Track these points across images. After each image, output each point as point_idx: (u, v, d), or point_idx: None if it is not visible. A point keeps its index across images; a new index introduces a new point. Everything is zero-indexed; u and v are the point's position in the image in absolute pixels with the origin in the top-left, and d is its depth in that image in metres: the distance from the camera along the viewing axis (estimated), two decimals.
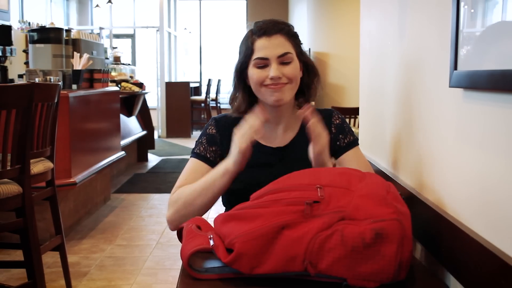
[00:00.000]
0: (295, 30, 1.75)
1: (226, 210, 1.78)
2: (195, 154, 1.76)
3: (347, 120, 6.90)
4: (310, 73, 1.78)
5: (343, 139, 1.77)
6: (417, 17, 1.70)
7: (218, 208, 1.73)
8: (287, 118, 1.76)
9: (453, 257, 1.30)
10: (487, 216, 1.18)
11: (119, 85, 6.88)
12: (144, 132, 7.69)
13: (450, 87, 1.33)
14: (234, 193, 1.68)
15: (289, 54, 1.66)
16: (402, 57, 1.84)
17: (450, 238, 1.32)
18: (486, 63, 1.16)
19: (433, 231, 1.43)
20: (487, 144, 1.18)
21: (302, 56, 1.72)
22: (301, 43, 1.75)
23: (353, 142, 1.78)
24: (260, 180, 1.50)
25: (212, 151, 1.75)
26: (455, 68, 1.30)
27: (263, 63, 1.64)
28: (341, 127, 1.79)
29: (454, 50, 1.30)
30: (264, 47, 1.64)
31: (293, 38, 1.71)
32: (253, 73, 1.66)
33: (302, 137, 1.70)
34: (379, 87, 2.17)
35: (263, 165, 1.71)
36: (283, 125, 1.77)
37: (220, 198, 1.74)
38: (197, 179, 1.64)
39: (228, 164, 1.58)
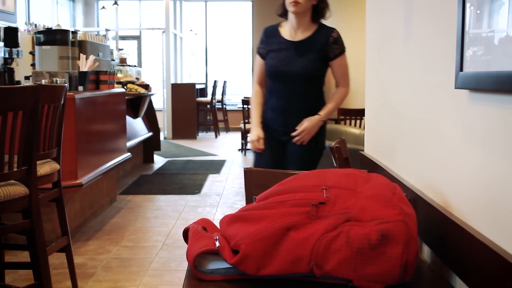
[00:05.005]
0: None
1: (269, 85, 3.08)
2: (258, 52, 3.09)
3: (352, 122, 6.90)
4: (322, 2, 2.93)
5: (336, 49, 2.94)
6: (423, 18, 1.70)
7: (224, 210, 1.74)
8: (306, 25, 2.93)
9: (459, 258, 1.30)
10: (493, 217, 1.18)
11: (125, 87, 6.89)
12: (150, 134, 7.70)
13: (456, 88, 1.33)
14: (270, 67, 2.98)
15: None
16: (408, 58, 1.83)
17: (455, 239, 1.32)
18: (492, 65, 1.15)
19: (439, 232, 1.43)
20: (493, 145, 1.18)
21: None
22: None
23: (342, 51, 2.99)
24: (283, 58, 2.94)
25: (262, 47, 3.05)
26: (461, 69, 1.30)
27: None
28: (337, 40, 2.94)
29: (460, 51, 1.30)
30: None
31: None
32: None
33: (315, 37, 2.92)
34: (385, 88, 2.17)
35: (284, 50, 2.94)
36: (302, 28, 2.93)
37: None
38: (260, 68, 3.07)
39: (251, 133, 3.07)
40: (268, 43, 3.00)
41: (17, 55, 5.77)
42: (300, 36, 2.94)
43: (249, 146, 2.92)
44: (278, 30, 3.01)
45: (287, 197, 1.30)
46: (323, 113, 2.96)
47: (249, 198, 1.97)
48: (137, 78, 8.59)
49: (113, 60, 8.35)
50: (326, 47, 2.92)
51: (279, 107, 2.99)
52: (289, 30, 2.96)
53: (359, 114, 6.73)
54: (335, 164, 2.71)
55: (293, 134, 2.91)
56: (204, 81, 13.86)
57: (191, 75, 14.43)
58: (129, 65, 9.74)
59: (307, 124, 2.90)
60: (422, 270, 1.45)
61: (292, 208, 1.27)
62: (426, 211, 1.50)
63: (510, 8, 1.09)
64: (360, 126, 6.74)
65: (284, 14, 2.98)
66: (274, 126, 3.03)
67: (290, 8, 2.83)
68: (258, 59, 3.07)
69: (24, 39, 8.24)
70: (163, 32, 11.54)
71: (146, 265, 3.69)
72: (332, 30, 2.96)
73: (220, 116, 12.36)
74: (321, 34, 2.93)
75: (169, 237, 4.28)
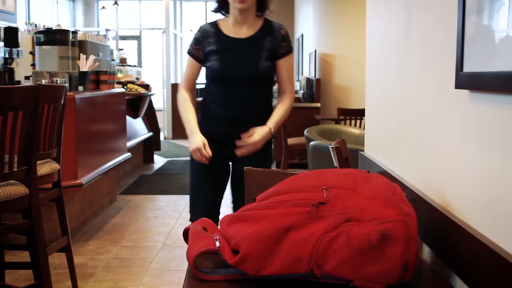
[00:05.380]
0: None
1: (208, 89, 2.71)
2: (189, 53, 2.68)
3: (352, 122, 6.91)
4: None
5: (283, 47, 2.62)
6: (423, 18, 1.70)
7: (224, 210, 1.75)
8: (251, 20, 2.61)
9: (459, 259, 1.30)
10: (493, 217, 1.18)
11: (125, 87, 6.89)
12: (150, 134, 7.71)
13: (456, 88, 1.33)
14: (214, 70, 2.59)
15: None
16: (408, 58, 1.84)
17: (456, 239, 1.32)
18: (492, 65, 1.15)
19: (439, 233, 1.43)
20: (493, 145, 1.18)
21: None
22: None
23: (290, 50, 2.66)
24: (228, 59, 2.57)
25: (197, 49, 2.64)
26: (461, 69, 1.30)
27: None
28: (285, 38, 2.63)
29: (460, 51, 1.30)
30: None
31: None
32: None
33: (263, 34, 2.61)
34: (385, 88, 2.17)
35: (230, 49, 2.59)
36: (247, 25, 2.61)
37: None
38: (192, 72, 2.69)
39: (189, 141, 2.57)
40: (207, 44, 2.60)
41: (17, 55, 5.77)
42: (245, 32, 2.61)
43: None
44: (219, 28, 2.64)
45: (287, 197, 1.30)
46: (272, 125, 2.58)
47: (249, 198, 1.97)
48: (137, 78, 8.59)
49: (113, 60, 8.35)
50: (275, 44, 2.60)
51: (228, 116, 2.59)
52: (232, 27, 2.62)
53: (359, 114, 6.74)
54: (335, 164, 2.71)
55: (238, 143, 2.51)
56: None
57: None
58: (129, 65, 9.75)
59: (257, 137, 2.51)
60: (422, 270, 1.45)
61: (292, 208, 1.27)
62: (426, 211, 1.50)
63: (510, 8, 1.09)
64: (360, 126, 6.75)
65: (222, 8, 2.66)
66: (221, 138, 2.61)
67: (236, 5, 2.50)
68: (191, 62, 2.68)
69: (24, 39, 8.24)
70: (163, 32, 11.55)
71: (146, 265, 3.69)
72: (280, 26, 2.66)
73: None
74: (269, 30, 2.62)
75: (169, 237, 4.28)
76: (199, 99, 2.99)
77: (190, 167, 2.73)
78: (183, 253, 3.80)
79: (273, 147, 2.78)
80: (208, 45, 2.60)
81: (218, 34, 2.61)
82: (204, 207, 2.66)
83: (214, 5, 2.67)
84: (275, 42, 2.59)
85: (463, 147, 1.34)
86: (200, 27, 2.66)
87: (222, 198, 2.72)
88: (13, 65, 5.77)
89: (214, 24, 2.65)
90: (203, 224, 1.44)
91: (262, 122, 2.58)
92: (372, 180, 1.34)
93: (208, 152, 2.50)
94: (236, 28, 2.61)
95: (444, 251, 1.41)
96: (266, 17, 2.68)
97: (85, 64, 4.72)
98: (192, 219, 2.66)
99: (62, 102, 2.99)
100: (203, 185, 2.67)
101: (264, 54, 2.57)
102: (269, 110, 2.66)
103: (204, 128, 2.60)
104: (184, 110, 2.64)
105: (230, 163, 2.71)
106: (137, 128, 7.22)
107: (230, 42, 2.58)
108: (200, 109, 2.70)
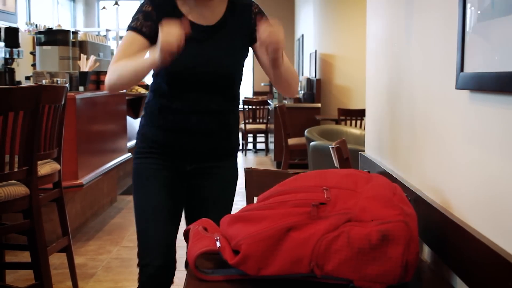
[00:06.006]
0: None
1: (156, 105, 2.05)
2: (131, 27, 1.96)
3: (353, 122, 6.90)
4: None
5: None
6: (423, 19, 1.70)
7: None
8: (214, 3, 2.00)
9: (459, 259, 1.30)
10: (493, 217, 1.18)
11: None
12: None
13: (456, 89, 1.33)
14: (172, 69, 1.91)
15: None
16: (409, 58, 1.84)
17: (456, 239, 1.32)
18: (492, 65, 1.15)
19: (440, 233, 1.43)
20: (494, 146, 1.18)
21: None
22: None
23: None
24: (195, 55, 1.93)
25: (148, 25, 1.94)
26: (462, 70, 1.30)
27: None
28: (261, 13, 2.07)
29: (460, 51, 1.30)
30: None
31: None
32: None
33: (232, 16, 2.03)
34: (386, 89, 2.17)
35: (195, 41, 1.91)
36: (212, 6, 2.00)
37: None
38: (134, 51, 1.91)
39: (155, 58, 1.76)
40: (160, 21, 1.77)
41: (18, 55, 5.77)
42: (210, 16, 1.99)
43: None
44: (177, 6, 1.98)
45: (288, 197, 1.30)
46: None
47: (249, 199, 1.97)
48: None
49: None
50: (249, 27, 2.03)
51: (186, 125, 1.99)
52: (193, 8, 1.98)
53: (359, 114, 6.74)
54: (335, 165, 2.71)
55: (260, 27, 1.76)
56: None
57: None
58: None
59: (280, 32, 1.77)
60: (422, 271, 1.45)
61: (293, 209, 1.27)
62: (427, 212, 1.50)
63: (510, 8, 1.09)
64: (360, 127, 6.75)
65: None
66: (177, 150, 2.02)
67: None
68: (134, 37, 1.94)
69: (25, 39, 8.24)
70: None
71: None
72: (250, 2, 2.08)
73: None
74: (239, 10, 2.04)
75: None
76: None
77: (135, 186, 2.06)
78: (183, 253, 3.81)
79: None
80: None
81: (177, 15, 1.94)
82: (159, 245, 2.01)
83: None
84: (249, 25, 2.03)
85: (463, 147, 1.35)
86: (153, 1, 1.98)
87: (177, 232, 2.08)
88: (14, 65, 5.77)
89: (172, 2, 1.99)
90: (204, 225, 1.44)
91: (231, 133, 2.11)
92: (372, 181, 1.34)
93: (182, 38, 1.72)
94: (198, 9, 1.97)
95: (444, 251, 1.41)
96: None
97: (86, 64, 4.72)
98: (143, 265, 2.04)
99: (62, 103, 2.99)
100: (157, 212, 2.00)
101: (238, 44, 2.03)
102: (238, 117, 2.17)
103: (151, 138, 2.03)
104: (127, 62, 1.88)
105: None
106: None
107: (194, 30, 1.86)
108: (145, 113, 2.10)
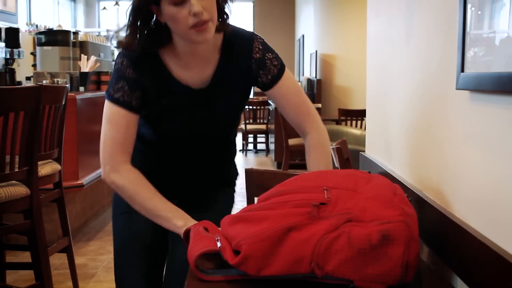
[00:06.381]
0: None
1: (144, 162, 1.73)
2: (117, 101, 1.60)
3: (353, 123, 6.89)
4: None
5: (265, 75, 1.69)
6: (423, 19, 1.70)
7: None
8: (210, 46, 1.64)
9: (460, 259, 1.30)
10: (494, 218, 1.18)
11: None
12: None
13: (457, 89, 1.33)
14: (166, 136, 1.71)
15: None
16: (409, 59, 1.84)
17: (457, 240, 1.32)
18: (493, 66, 1.15)
19: (440, 233, 1.43)
20: (494, 146, 1.18)
21: None
22: None
23: (278, 74, 1.70)
24: (188, 121, 1.67)
25: (138, 97, 1.61)
26: (462, 70, 1.30)
27: None
28: (262, 62, 1.69)
29: (461, 52, 1.30)
30: None
31: None
32: (173, 13, 1.48)
33: (225, 68, 1.67)
34: (386, 89, 2.17)
35: (188, 106, 1.67)
36: (202, 57, 1.65)
37: None
38: (133, 134, 1.62)
39: (178, 230, 1.51)
40: (147, 88, 1.62)
41: (18, 55, 5.78)
42: (202, 72, 1.66)
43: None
44: (163, 64, 1.64)
45: (288, 197, 1.30)
46: None
47: (250, 199, 1.97)
48: None
49: (114, 60, 8.35)
50: (248, 75, 1.70)
51: (182, 174, 1.81)
52: (181, 64, 1.65)
53: (360, 114, 6.74)
54: (336, 165, 2.71)
55: None
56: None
57: None
58: None
59: None
60: (423, 271, 1.45)
61: (293, 209, 1.27)
62: (427, 212, 1.50)
63: (511, 9, 1.09)
64: (361, 127, 6.75)
65: (159, 42, 1.62)
66: (159, 188, 1.62)
67: (196, 37, 1.51)
68: (123, 116, 1.61)
69: (25, 40, 8.25)
70: None
71: None
72: (249, 41, 1.69)
73: None
74: (236, 51, 1.68)
75: None
76: None
77: (114, 236, 1.86)
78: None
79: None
80: (148, 90, 1.62)
81: (165, 77, 1.64)
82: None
83: (139, 39, 1.57)
84: (248, 72, 1.69)
85: (464, 148, 1.35)
86: (130, 59, 1.61)
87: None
88: (14, 66, 5.78)
89: (155, 57, 1.63)
90: (204, 225, 1.45)
91: (226, 168, 1.92)
92: (373, 181, 1.34)
93: None
94: (187, 65, 1.65)
95: (445, 252, 1.41)
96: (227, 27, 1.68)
97: (86, 64, 4.72)
98: None
99: (63, 103, 2.99)
100: (134, 268, 1.79)
101: (236, 99, 1.74)
102: (234, 150, 1.94)
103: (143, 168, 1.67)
104: (144, 194, 1.59)
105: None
106: None
107: (185, 94, 1.65)
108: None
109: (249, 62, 1.68)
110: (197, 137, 1.73)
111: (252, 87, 1.76)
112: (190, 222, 1.51)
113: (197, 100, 1.67)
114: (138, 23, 1.55)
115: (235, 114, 1.77)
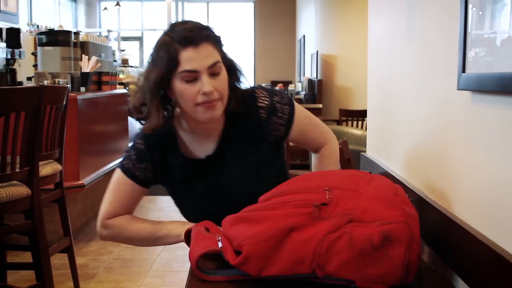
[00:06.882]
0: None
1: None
2: (125, 169, 1.65)
3: (354, 123, 6.89)
4: (234, 73, 1.60)
5: (279, 118, 1.63)
6: (425, 19, 1.70)
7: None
8: (216, 126, 1.61)
9: (461, 260, 1.30)
10: (495, 218, 1.18)
11: (127, 88, 6.89)
12: None
13: (458, 89, 1.33)
14: (192, 214, 1.67)
15: (218, 63, 1.50)
16: (410, 59, 1.84)
17: (458, 240, 1.32)
18: (494, 66, 1.15)
19: (441, 234, 1.43)
20: (496, 147, 1.18)
21: (226, 60, 1.57)
22: (223, 45, 1.59)
23: (291, 116, 1.65)
24: (204, 193, 1.61)
25: (142, 168, 1.63)
26: (463, 70, 1.30)
27: (193, 76, 1.47)
28: (271, 109, 1.62)
29: (462, 52, 1.30)
30: (192, 59, 1.46)
31: (218, 43, 1.56)
32: (183, 89, 1.48)
33: (229, 133, 1.62)
34: (387, 89, 2.17)
35: (200, 177, 1.63)
36: (212, 134, 1.62)
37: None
38: (130, 203, 1.66)
39: (180, 237, 1.56)
40: (156, 161, 1.63)
41: (19, 56, 5.78)
42: (207, 139, 1.63)
43: None
44: (175, 137, 1.64)
45: (289, 198, 1.30)
46: None
47: None
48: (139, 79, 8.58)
49: (115, 61, 8.36)
50: (262, 131, 1.62)
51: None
52: (187, 137, 1.64)
53: (361, 115, 6.74)
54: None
55: None
56: None
57: None
58: (131, 66, 9.75)
59: None
60: (424, 272, 1.45)
61: (294, 209, 1.27)
62: (428, 212, 1.50)
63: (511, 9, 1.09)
64: (362, 127, 6.75)
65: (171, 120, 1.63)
66: None
67: (202, 114, 1.50)
68: (130, 186, 1.65)
69: (26, 40, 8.25)
70: None
71: (148, 266, 3.70)
72: (251, 95, 1.64)
73: None
74: (240, 114, 1.61)
75: None
76: None
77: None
78: (184, 254, 3.80)
79: None
80: (156, 164, 1.64)
81: (173, 151, 1.64)
82: None
83: (155, 120, 1.54)
84: (259, 125, 1.62)
85: (465, 148, 1.35)
86: (147, 138, 1.64)
87: None
88: (15, 66, 5.78)
89: (172, 135, 1.64)
90: (205, 225, 1.45)
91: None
92: (374, 181, 1.34)
93: None
94: (193, 137, 1.64)
95: (446, 252, 1.41)
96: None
97: (87, 65, 4.72)
98: None
99: (64, 103, 2.99)
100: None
101: (249, 159, 1.62)
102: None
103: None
104: (138, 227, 1.63)
105: None
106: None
107: (193, 166, 1.62)
108: None
109: (256, 113, 1.61)
110: (224, 204, 1.60)
111: (271, 145, 1.65)
112: (188, 225, 1.54)
113: (206, 168, 1.63)
114: (158, 99, 1.53)
115: (255, 175, 1.62)
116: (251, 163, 1.61)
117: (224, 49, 1.58)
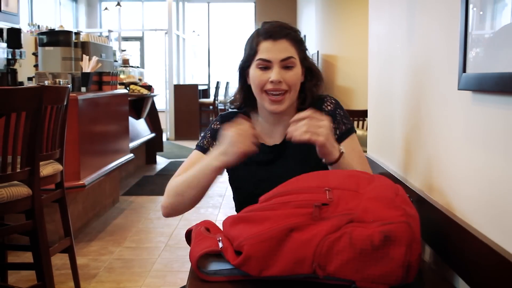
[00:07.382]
0: (303, 34, 1.81)
1: (237, 211, 1.80)
2: (198, 147, 1.83)
3: (355, 123, 6.89)
4: (313, 77, 1.74)
5: (334, 129, 1.67)
6: (425, 19, 1.70)
7: (227, 211, 1.75)
8: (288, 118, 1.61)
9: (462, 260, 1.30)
10: (496, 218, 1.18)
11: (127, 88, 6.89)
12: (153, 135, 7.71)
13: (458, 89, 1.33)
14: (242, 193, 1.78)
15: (292, 58, 1.65)
16: (411, 59, 1.84)
17: (459, 240, 1.32)
18: (495, 66, 1.15)
19: (442, 234, 1.43)
20: (496, 146, 1.18)
21: (305, 61, 1.71)
22: (306, 49, 1.74)
23: (347, 132, 1.71)
24: (263, 179, 1.69)
25: (215, 145, 1.73)
26: (464, 70, 1.30)
27: (265, 65, 1.65)
28: (333, 115, 1.70)
29: (463, 52, 1.30)
30: (268, 49, 1.65)
31: (299, 43, 1.70)
32: (255, 75, 1.67)
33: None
34: (388, 89, 2.17)
35: (263, 163, 1.73)
36: (283, 125, 1.71)
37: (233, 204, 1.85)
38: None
39: (220, 162, 1.58)
40: None
41: (20, 56, 5.79)
42: (276, 128, 1.76)
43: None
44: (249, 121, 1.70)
45: (290, 198, 1.30)
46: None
47: None
48: (140, 79, 8.59)
49: (115, 61, 8.35)
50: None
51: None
52: (264, 128, 1.77)
53: (361, 115, 6.72)
54: None
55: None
56: (207, 82, 13.87)
57: (193, 76, 14.45)
58: (132, 66, 9.75)
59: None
60: (425, 272, 1.45)
61: (295, 209, 1.27)
62: (429, 213, 1.50)
63: None
64: (362, 127, 6.74)
65: (248, 104, 1.80)
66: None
67: (269, 107, 1.67)
68: (199, 157, 1.78)
69: (27, 40, 8.24)
70: (166, 33, 11.55)
71: (148, 266, 3.69)
72: (322, 97, 1.76)
73: None
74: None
75: (172, 238, 4.28)
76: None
77: None
78: (185, 254, 3.81)
79: None
80: None
81: None
82: None
83: (237, 97, 1.82)
84: None
85: (465, 148, 1.34)
86: (222, 115, 1.85)
87: None
88: (16, 66, 5.79)
89: (246, 115, 1.80)
90: (206, 226, 1.45)
91: None
92: (375, 181, 1.34)
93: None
94: (269, 128, 1.77)
95: (446, 252, 1.41)
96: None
97: (88, 65, 4.72)
98: None
99: (65, 103, 2.99)
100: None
101: (311, 157, 1.62)
102: None
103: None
104: (181, 177, 1.71)
105: None
106: (140, 129, 7.22)
107: (260, 152, 1.63)
108: None
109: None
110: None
111: None
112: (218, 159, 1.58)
113: (271, 156, 1.74)
114: (242, 83, 1.76)
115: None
116: (312, 160, 1.63)
117: (306, 53, 1.72)
